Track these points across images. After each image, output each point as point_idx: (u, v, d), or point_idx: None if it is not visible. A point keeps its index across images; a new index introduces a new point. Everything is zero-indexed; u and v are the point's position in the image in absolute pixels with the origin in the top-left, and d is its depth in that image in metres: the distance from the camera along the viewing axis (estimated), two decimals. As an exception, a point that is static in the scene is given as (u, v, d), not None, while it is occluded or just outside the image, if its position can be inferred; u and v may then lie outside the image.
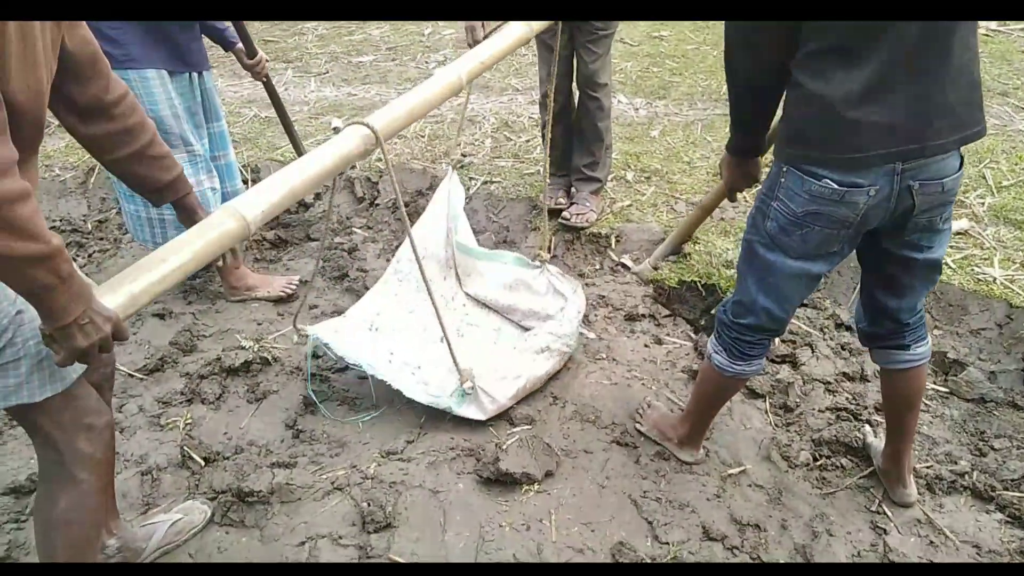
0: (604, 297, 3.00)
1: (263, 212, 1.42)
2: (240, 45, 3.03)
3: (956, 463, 2.18)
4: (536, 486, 2.14)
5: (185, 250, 1.31)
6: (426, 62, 5.41)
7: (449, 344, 2.22)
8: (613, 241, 3.24)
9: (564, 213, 3.23)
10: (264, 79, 3.22)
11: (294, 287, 3.10)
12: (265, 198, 1.43)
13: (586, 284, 3.10)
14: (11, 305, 1.34)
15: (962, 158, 1.60)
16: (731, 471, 2.19)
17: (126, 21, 2.47)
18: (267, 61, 3.16)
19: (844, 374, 2.55)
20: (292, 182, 1.49)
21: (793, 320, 2.78)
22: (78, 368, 1.48)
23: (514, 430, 2.33)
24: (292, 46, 5.94)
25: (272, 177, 1.48)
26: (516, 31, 2.18)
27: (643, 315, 2.88)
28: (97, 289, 1.27)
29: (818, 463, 2.20)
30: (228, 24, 2.94)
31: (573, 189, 3.35)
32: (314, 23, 6.49)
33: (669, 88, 4.67)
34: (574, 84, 3.21)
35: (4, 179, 1.07)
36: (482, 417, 2.33)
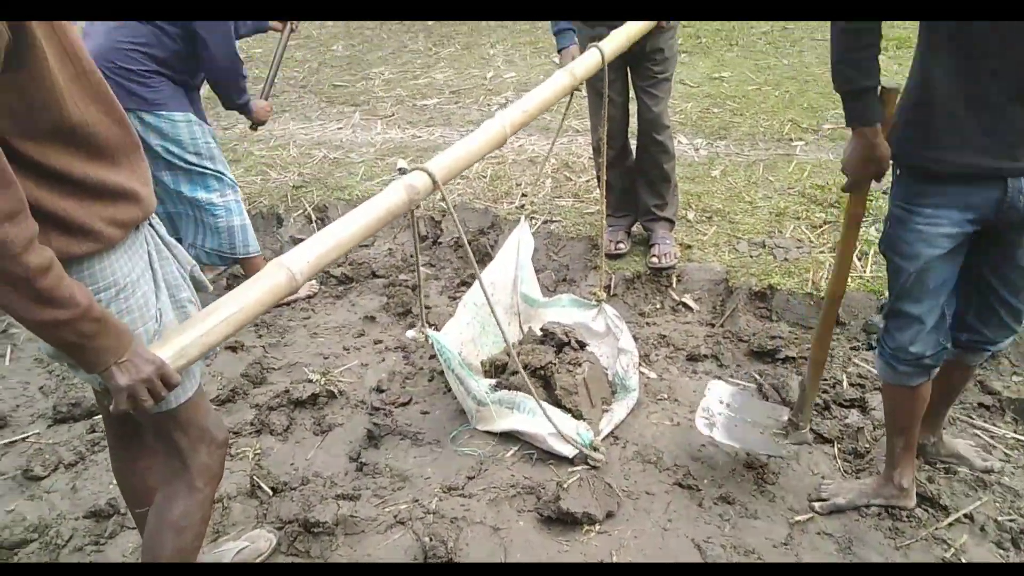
0: (665, 337, 2.98)
1: (310, 265, 1.46)
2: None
3: (1041, 517, 2.08)
4: (597, 527, 2.13)
5: (233, 304, 1.35)
6: (488, 104, 5.54)
7: (528, 384, 2.27)
8: (674, 280, 3.24)
9: (651, 259, 3.24)
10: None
11: (316, 288, 3.50)
12: (313, 252, 1.48)
13: (647, 323, 3.10)
14: (155, 322, 1.43)
15: None
16: (799, 518, 2.13)
17: (163, 77, 2.80)
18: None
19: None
20: (339, 237, 1.53)
21: (861, 363, 2.71)
22: (197, 377, 1.56)
23: (575, 469, 2.33)
24: (360, 90, 6.17)
25: (322, 232, 1.53)
26: (559, 80, 2.22)
27: (705, 355, 2.85)
28: (152, 344, 1.32)
29: (890, 512, 2.12)
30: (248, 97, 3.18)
31: (646, 231, 3.36)
32: (381, 68, 6.73)
33: (730, 128, 4.66)
34: (630, 128, 3.25)
35: (29, 254, 1.12)
36: (571, 454, 2.35)
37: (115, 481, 2.35)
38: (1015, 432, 2.39)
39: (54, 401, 2.76)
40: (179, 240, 3.07)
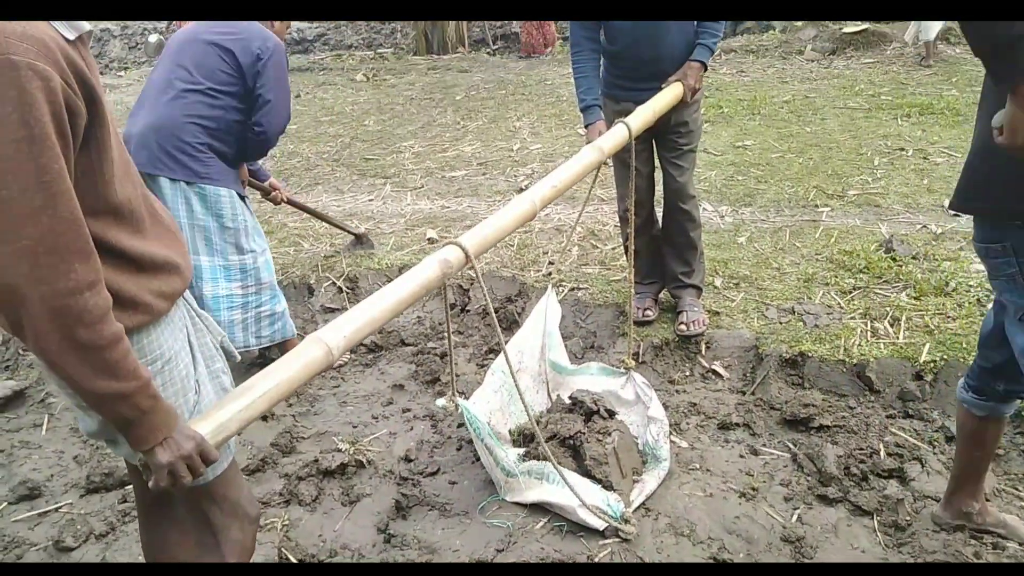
0: (695, 404, 2.95)
1: (347, 340, 1.50)
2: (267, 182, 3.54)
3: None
4: (629, 603, 2.07)
5: (271, 378, 1.37)
6: (514, 175, 5.66)
7: (550, 456, 2.25)
8: (703, 347, 3.22)
9: (679, 326, 3.24)
10: (284, 201, 3.67)
11: (346, 357, 3.46)
12: (350, 327, 1.51)
13: (676, 391, 3.07)
14: (194, 394, 1.46)
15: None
16: (839, 595, 2.05)
17: (213, 152, 2.90)
18: (280, 189, 3.61)
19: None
20: (375, 312, 1.57)
21: (899, 432, 2.65)
22: (232, 451, 1.58)
23: (606, 542, 2.28)
24: (390, 163, 6.36)
25: (358, 307, 1.57)
26: (587, 156, 2.28)
27: (737, 424, 2.81)
28: (191, 420, 1.35)
29: (937, 590, 2.04)
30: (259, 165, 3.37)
31: (674, 299, 3.37)
32: (411, 141, 6.95)
33: (755, 195, 4.70)
34: (656, 196, 3.31)
35: (105, 323, 1.17)
36: (601, 526, 2.31)
37: (143, 554, 2.37)
38: (1065, 504, 2.30)
39: (88, 471, 2.79)
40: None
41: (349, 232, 4.32)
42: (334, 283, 4.10)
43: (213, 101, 2.85)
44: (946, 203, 4.17)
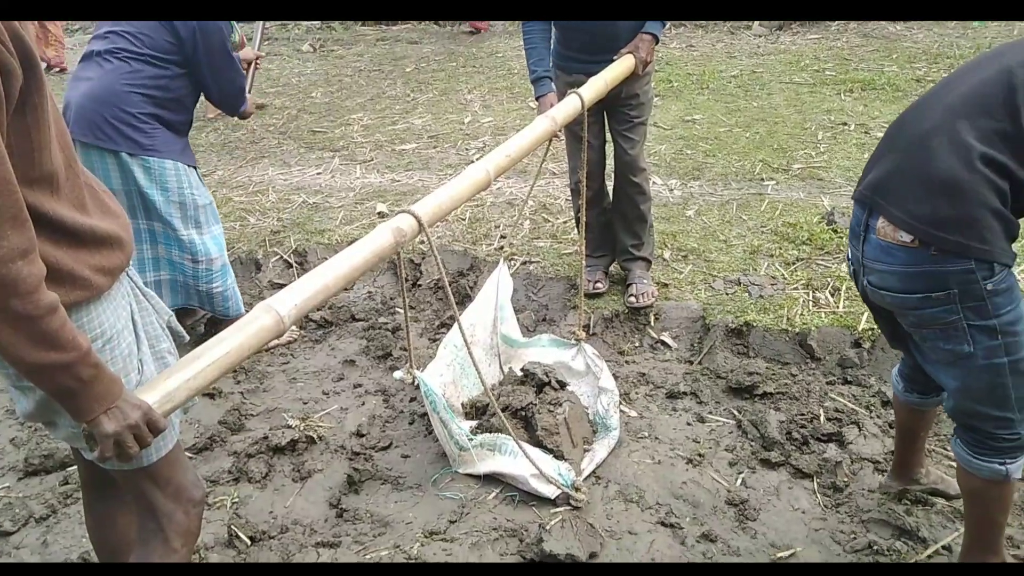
0: (645, 375, 3.00)
1: (297, 308, 1.46)
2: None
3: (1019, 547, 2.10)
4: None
5: (220, 347, 1.34)
6: (466, 148, 5.61)
7: (507, 426, 2.27)
8: (652, 319, 3.27)
9: (629, 298, 3.27)
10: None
11: (297, 334, 3.48)
12: (300, 295, 1.48)
13: (626, 362, 3.12)
14: (136, 374, 1.42)
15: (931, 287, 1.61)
16: (780, 554, 2.13)
17: (159, 121, 2.78)
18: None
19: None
20: (326, 280, 1.54)
21: (838, 398, 2.74)
22: (176, 431, 1.54)
23: (557, 510, 2.32)
24: (339, 136, 6.23)
25: (308, 275, 1.54)
26: (540, 125, 2.28)
27: (684, 393, 2.87)
28: (138, 389, 1.31)
29: (871, 545, 2.13)
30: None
31: (624, 271, 3.41)
32: (359, 113, 6.82)
33: (703, 169, 4.77)
34: (607, 170, 3.32)
35: (37, 294, 1.13)
36: (553, 495, 2.34)
37: (88, 536, 2.32)
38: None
39: (25, 453, 2.71)
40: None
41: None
42: (282, 258, 4.03)
43: (157, 70, 2.73)
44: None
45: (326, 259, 1.61)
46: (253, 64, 3.52)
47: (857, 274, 1.83)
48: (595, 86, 2.55)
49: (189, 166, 2.93)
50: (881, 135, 5.13)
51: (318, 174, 5.41)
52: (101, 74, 2.71)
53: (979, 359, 1.62)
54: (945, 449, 2.49)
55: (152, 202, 2.84)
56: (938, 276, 1.59)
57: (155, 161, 2.79)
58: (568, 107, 2.40)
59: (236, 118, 3.17)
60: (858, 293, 1.94)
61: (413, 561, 2.16)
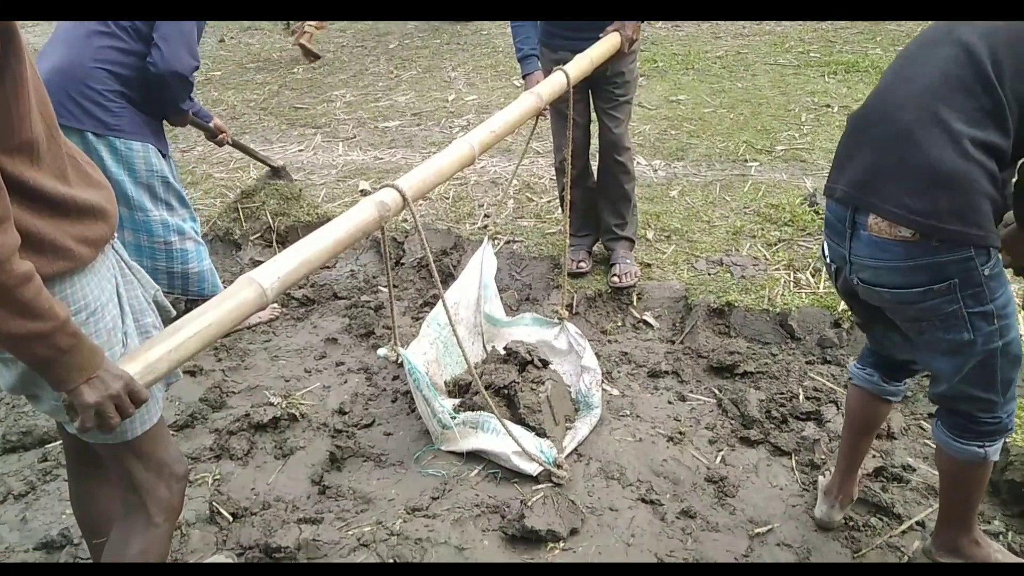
0: (627, 354, 3.02)
1: (280, 281, 1.45)
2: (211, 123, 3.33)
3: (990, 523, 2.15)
4: (561, 544, 2.14)
5: (202, 318, 1.32)
6: (449, 127, 5.58)
7: (490, 404, 2.27)
8: (635, 298, 3.29)
9: (612, 278, 3.28)
10: (229, 143, 3.52)
11: (279, 311, 3.48)
12: (283, 268, 1.46)
13: (608, 341, 3.13)
14: (121, 347, 1.41)
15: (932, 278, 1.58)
16: (759, 530, 2.16)
17: (126, 100, 2.68)
18: (226, 132, 3.43)
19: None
20: (309, 253, 1.53)
21: (816, 377, 2.78)
22: (159, 406, 1.53)
23: (539, 487, 2.34)
24: (321, 113, 6.16)
25: (291, 248, 1.52)
26: (526, 102, 2.26)
27: (666, 371, 2.89)
28: (118, 360, 1.29)
29: (847, 522, 2.17)
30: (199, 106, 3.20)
31: (607, 250, 3.41)
32: (342, 90, 6.74)
33: (687, 150, 4.77)
34: (591, 149, 3.32)
35: (9, 263, 1.11)
36: (535, 472, 2.35)
37: (69, 511, 2.30)
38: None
39: (3, 430, 2.68)
40: None
41: (269, 165, 4.15)
42: (262, 236, 3.99)
43: (125, 45, 2.63)
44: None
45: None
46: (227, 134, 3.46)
47: (839, 272, 1.80)
48: (580, 64, 2.54)
49: (160, 152, 2.83)
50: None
51: (300, 151, 5.35)
52: (66, 50, 2.62)
53: (978, 345, 1.62)
54: (923, 428, 2.54)
55: (120, 184, 2.72)
56: (938, 267, 1.58)
57: (121, 142, 2.69)
58: (554, 84, 2.39)
59: (171, 119, 2.93)
60: (836, 289, 1.93)
61: (395, 536, 2.17)
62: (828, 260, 1.84)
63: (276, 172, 4.18)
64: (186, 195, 3.03)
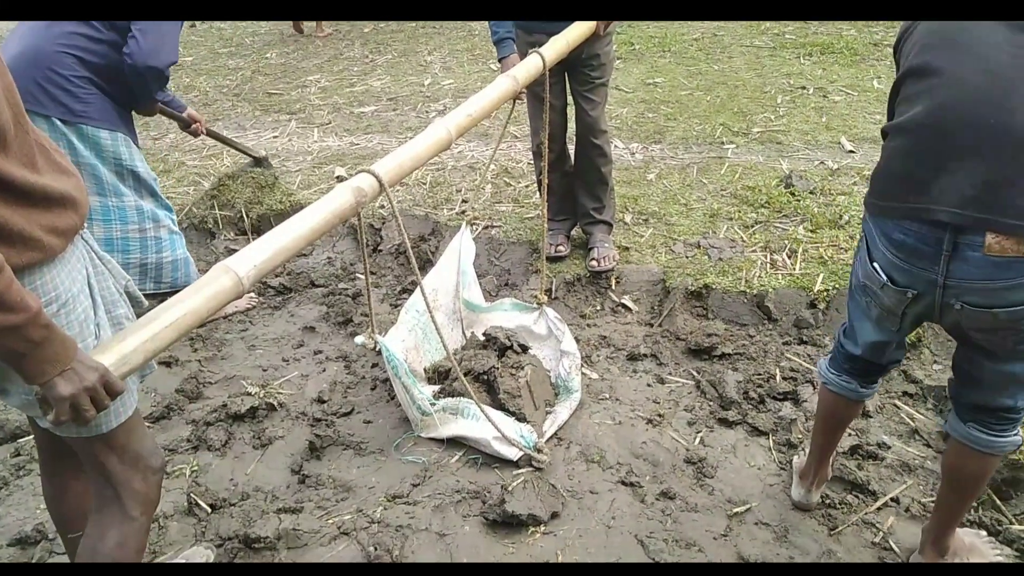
0: (606, 337, 3.03)
1: (256, 269, 1.43)
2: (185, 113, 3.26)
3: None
4: (542, 528, 2.15)
5: (177, 308, 1.30)
6: (426, 111, 5.53)
7: (470, 390, 2.27)
8: (613, 282, 3.29)
9: (590, 262, 3.28)
10: (204, 133, 3.43)
11: (255, 300, 3.47)
12: (259, 256, 1.44)
13: (587, 325, 3.14)
14: (93, 339, 1.38)
15: None
16: (737, 509, 2.19)
17: (94, 87, 2.60)
18: (200, 122, 3.35)
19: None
20: (285, 240, 1.50)
21: (793, 357, 2.80)
22: (134, 399, 1.51)
23: (519, 471, 2.34)
24: (295, 98, 6.08)
25: (267, 235, 1.49)
26: (502, 84, 2.24)
27: (644, 355, 2.90)
28: (92, 351, 1.27)
29: (824, 500, 2.20)
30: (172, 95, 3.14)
31: (585, 235, 3.41)
32: (316, 75, 6.65)
33: (664, 133, 4.77)
34: (568, 133, 3.30)
35: None
36: (515, 457, 2.36)
37: (43, 506, 2.27)
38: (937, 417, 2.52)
39: (-26, 425, 2.63)
40: None
41: (251, 156, 4.09)
42: (236, 224, 3.94)
43: (96, 34, 2.55)
44: (843, 140, 4.36)
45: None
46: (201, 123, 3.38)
47: (920, 297, 1.60)
48: (556, 46, 2.52)
49: (129, 139, 2.76)
50: (840, 98, 5.05)
51: (274, 137, 5.28)
52: (32, 36, 2.54)
53: None
54: (896, 406, 2.57)
55: (92, 168, 2.66)
56: None
57: (89, 129, 2.62)
58: (530, 66, 2.37)
59: (140, 109, 2.85)
60: (893, 312, 1.69)
61: (376, 523, 2.16)
62: (899, 286, 1.62)
63: (258, 162, 4.11)
64: (159, 186, 2.96)
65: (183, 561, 2.01)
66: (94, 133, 2.64)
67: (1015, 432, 1.73)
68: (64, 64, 2.54)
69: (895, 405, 2.57)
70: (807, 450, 2.19)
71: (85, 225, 1.41)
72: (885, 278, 1.64)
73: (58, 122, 2.56)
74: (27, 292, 1.16)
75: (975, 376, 1.69)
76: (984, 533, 2.04)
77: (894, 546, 2.05)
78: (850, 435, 2.41)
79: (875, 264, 1.64)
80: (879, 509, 2.16)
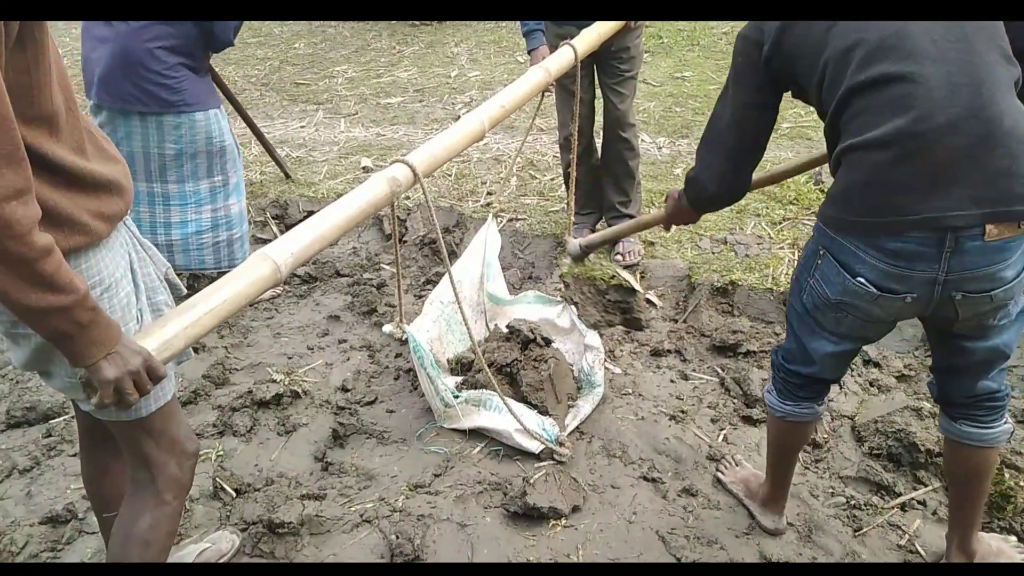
0: (629, 332, 3.01)
1: (294, 257, 1.45)
2: None
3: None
4: (563, 521, 2.15)
5: (217, 295, 1.32)
6: (452, 103, 5.53)
7: (494, 382, 2.27)
8: (638, 277, 3.27)
9: (615, 256, 3.27)
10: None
11: (281, 289, 3.48)
12: (296, 244, 1.46)
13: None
14: (135, 323, 1.41)
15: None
16: (760, 508, 2.17)
17: (184, 68, 2.71)
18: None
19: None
20: (322, 229, 1.52)
21: (820, 356, 2.76)
22: (173, 381, 1.54)
23: (541, 464, 2.34)
24: (323, 89, 6.12)
25: (303, 224, 1.51)
26: (534, 76, 2.24)
27: (669, 350, 2.89)
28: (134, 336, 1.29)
29: (849, 500, 2.18)
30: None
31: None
32: (344, 66, 6.68)
33: (692, 127, 4.73)
34: (595, 126, 3.29)
35: (31, 236, 1.09)
36: (537, 449, 2.36)
37: (74, 485, 2.32)
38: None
39: (7, 405, 2.69)
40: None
41: (283, 169, 4.19)
42: (265, 212, 3.98)
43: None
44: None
45: (309, 213, 1.58)
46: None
47: (917, 299, 1.57)
48: (588, 38, 2.51)
49: (218, 112, 2.88)
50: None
51: (301, 127, 5.32)
52: (115, 34, 2.64)
53: None
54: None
55: (176, 157, 2.81)
56: None
57: (186, 117, 2.76)
58: (561, 58, 2.36)
59: (223, 47, 2.88)
60: (879, 319, 1.66)
61: (398, 512, 2.18)
62: (897, 293, 1.57)
63: (286, 176, 4.24)
64: (241, 155, 3.07)
65: (208, 544, 2.04)
66: (190, 120, 2.77)
67: (1004, 420, 1.76)
68: (156, 58, 2.65)
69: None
70: (768, 477, 2.09)
71: (129, 211, 1.44)
72: (875, 290, 1.57)
73: (152, 116, 2.72)
74: (75, 274, 1.18)
75: (961, 365, 1.72)
76: (1013, 538, 2.01)
77: (920, 549, 2.02)
78: (878, 435, 2.38)
79: (860, 279, 1.58)
80: (904, 511, 2.13)
